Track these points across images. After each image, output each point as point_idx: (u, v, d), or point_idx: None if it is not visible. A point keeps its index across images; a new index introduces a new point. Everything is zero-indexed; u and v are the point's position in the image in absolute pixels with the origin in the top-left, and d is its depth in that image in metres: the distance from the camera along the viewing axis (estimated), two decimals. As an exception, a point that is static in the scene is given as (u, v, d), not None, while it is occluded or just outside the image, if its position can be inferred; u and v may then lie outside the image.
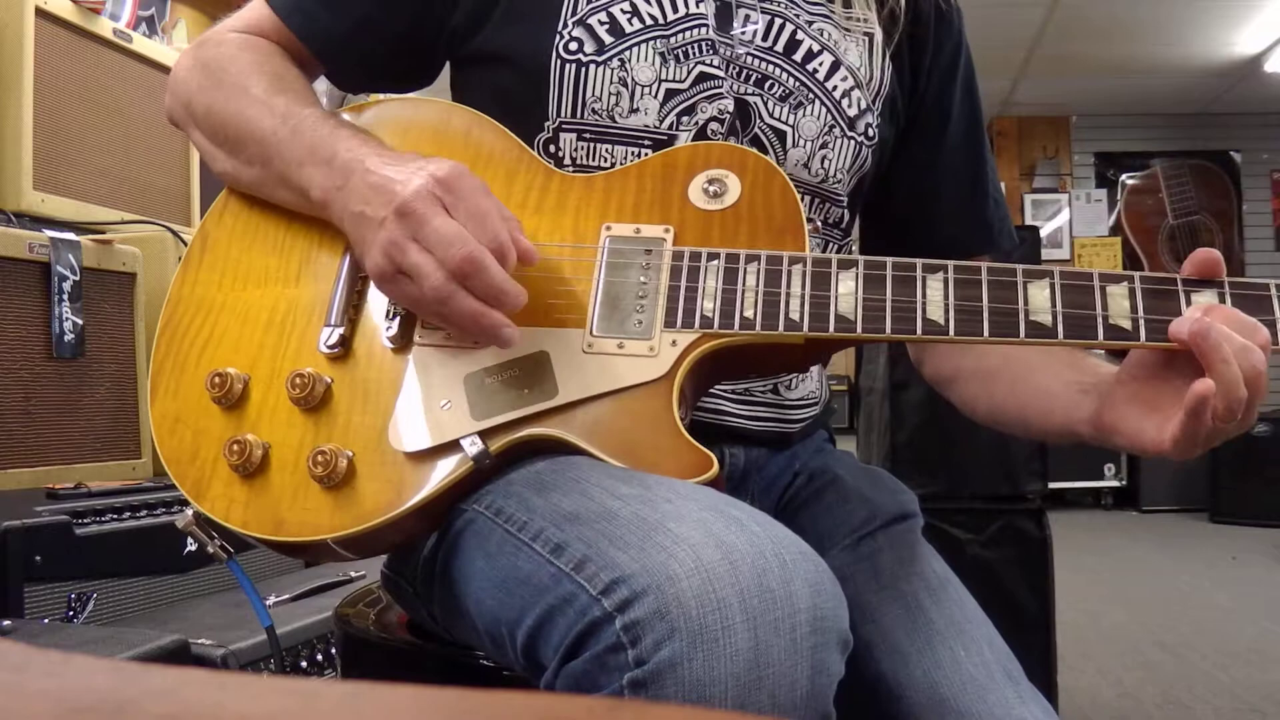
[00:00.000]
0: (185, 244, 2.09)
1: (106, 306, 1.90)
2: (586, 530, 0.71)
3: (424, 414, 0.83)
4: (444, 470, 0.82)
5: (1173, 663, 3.23)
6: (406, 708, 0.26)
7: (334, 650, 1.67)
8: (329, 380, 0.86)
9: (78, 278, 1.80)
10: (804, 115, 0.99)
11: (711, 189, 0.90)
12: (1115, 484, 6.72)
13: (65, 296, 1.77)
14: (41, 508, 1.59)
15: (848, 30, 1.04)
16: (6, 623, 1.37)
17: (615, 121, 0.96)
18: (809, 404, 1.04)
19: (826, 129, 1.00)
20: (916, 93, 1.10)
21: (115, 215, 2.13)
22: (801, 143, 0.99)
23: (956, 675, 0.85)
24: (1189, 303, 0.81)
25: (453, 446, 0.82)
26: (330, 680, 1.03)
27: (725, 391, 0.97)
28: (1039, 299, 0.83)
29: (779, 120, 0.98)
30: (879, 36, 1.06)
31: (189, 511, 0.86)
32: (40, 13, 1.98)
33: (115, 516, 1.67)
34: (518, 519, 0.77)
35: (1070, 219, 7.66)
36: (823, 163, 1.00)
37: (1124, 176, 7.74)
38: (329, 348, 0.87)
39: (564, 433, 0.82)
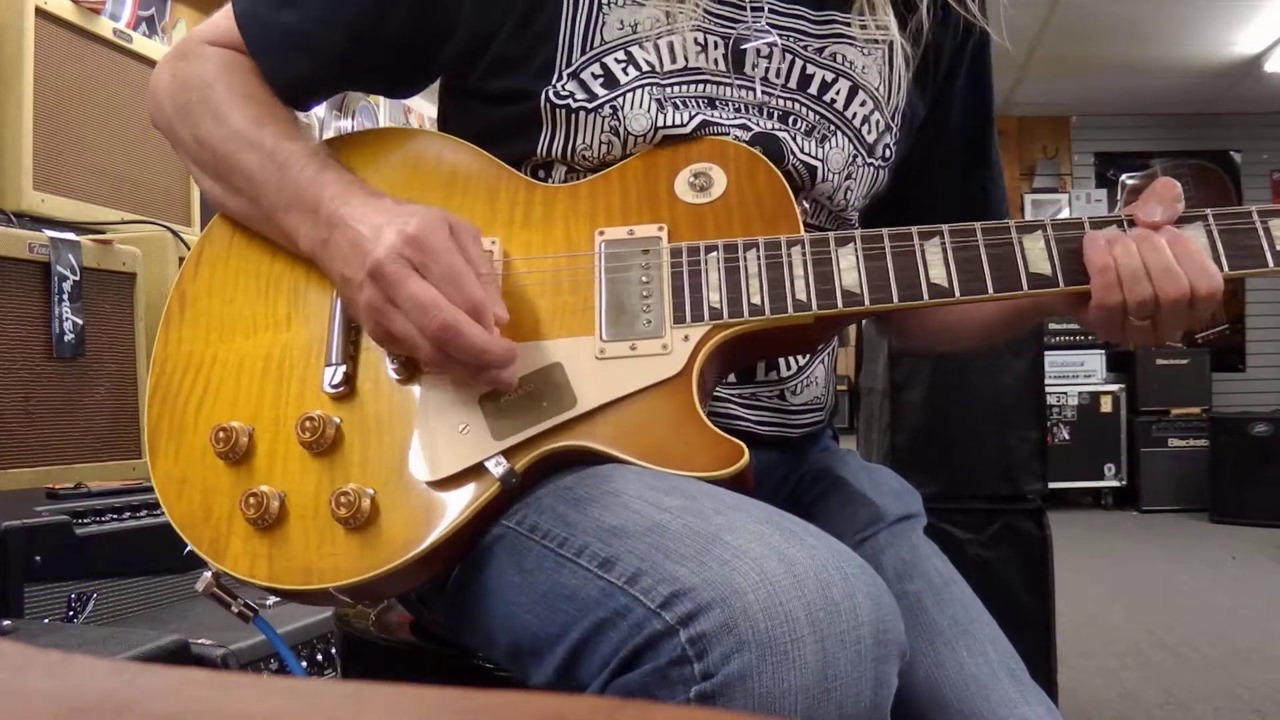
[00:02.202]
0: (185, 244, 2.09)
1: (106, 306, 1.90)
2: (636, 544, 0.71)
3: (443, 441, 0.82)
4: (471, 494, 0.81)
5: (1173, 663, 3.23)
6: (406, 708, 0.26)
7: (334, 650, 1.67)
8: (338, 420, 0.84)
9: (78, 278, 1.80)
10: (831, 147, 0.97)
11: (697, 183, 0.90)
12: (1115, 484, 6.72)
13: (65, 296, 1.77)
14: (41, 508, 1.59)
15: (865, 43, 1.00)
16: (6, 623, 1.37)
17: (607, 165, 0.94)
18: (814, 409, 1.03)
19: (851, 159, 0.99)
20: (929, 89, 1.08)
21: (115, 215, 2.13)
22: (830, 176, 0.97)
23: (959, 676, 0.85)
24: None
25: (477, 470, 0.81)
26: (330, 680, 1.03)
27: (732, 395, 0.97)
28: (1035, 251, 0.86)
29: (809, 155, 0.96)
30: (899, 45, 1.02)
31: (207, 574, 0.84)
32: (40, 13, 1.98)
33: (115, 516, 1.67)
34: (556, 535, 0.77)
35: (1070, 219, 7.66)
36: (845, 194, 0.99)
37: (1124, 176, 7.75)
38: (333, 387, 0.85)
39: (589, 441, 0.81)
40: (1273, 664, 3.19)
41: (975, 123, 1.13)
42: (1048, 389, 3.56)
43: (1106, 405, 6.68)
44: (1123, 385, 6.76)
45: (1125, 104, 7.42)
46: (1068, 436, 6.64)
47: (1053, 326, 6.48)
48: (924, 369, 2.40)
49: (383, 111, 3.93)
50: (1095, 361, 6.79)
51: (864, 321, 2.82)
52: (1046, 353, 2.57)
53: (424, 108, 4.56)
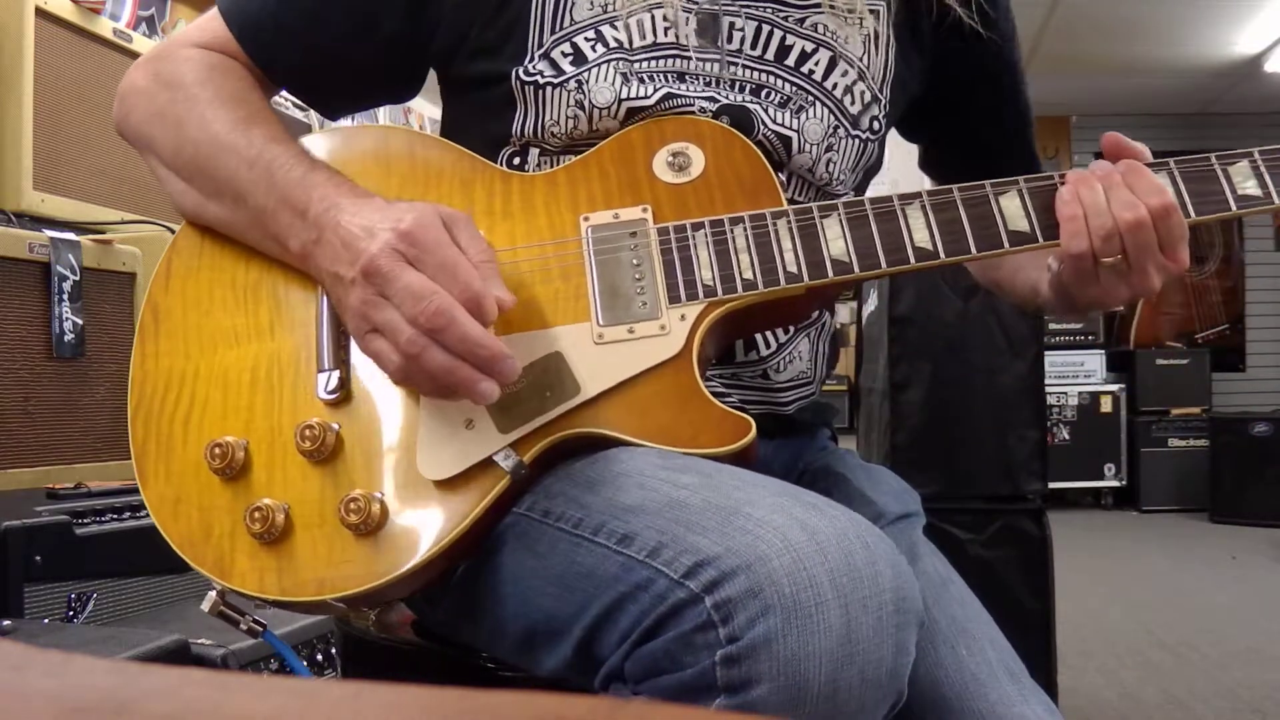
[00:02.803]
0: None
1: (106, 306, 1.90)
2: (655, 519, 0.72)
3: (449, 439, 0.81)
4: (482, 490, 0.80)
5: (1173, 663, 3.23)
6: (406, 708, 0.26)
7: (334, 650, 1.67)
8: (337, 427, 0.83)
9: (78, 278, 1.80)
10: (808, 119, 0.97)
11: (676, 162, 0.91)
12: (1115, 484, 6.71)
13: (65, 296, 1.77)
14: (41, 508, 1.59)
15: (847, 13, 1.00)
16: (6, 623, 1.37)
17: (576, 142, 0.94)
18: (800, 384, 1.04)
19: (831, 130, 0.98)
20: (926, 51, 1.08)
21: (115, 215, 2.13)
22: (807, 147, 0.97)
23: (958, 675, 0.85)
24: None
25: (485, 465, 0.81)
26: (330, 680, 1.03)
27: (715, 374, 0.98)
28: (1012, 208, 0.88)
29: (782, 125, 0.96)
30: (883, 13, 1.02)
31: (212, 593, 0.83)
32: (40, 13, 1.98)
33: (115, 516, 1.67)
34: (570, 516, 0.77)
35: (1070, 219, 7.65)
36: (828, 166, 0.99)
37: (1124, 176, 7.74)
38: (329, 393, 0.84)
39: (596, 427, 0.82)
40: (1273, 664, 3.19)
41: (1010, 72, 1.14)
42: (1048, 389, 3.56)
43: (1106, 405, 6.68)
44: (1123, 385, 6.76)
45: (1125, 104, 7.42)
46: (1068, 436, 6.63)
47: (1053, 326, 6.47)
48: (924, 369, 2.40)
49: (383, 110, 3.93)
50: (1095, 361, 6.79)
51: (864, 322, 2.82)
52: (1046, 353, 2.56)
53: (424, 108, 4.56)
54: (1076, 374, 6.73)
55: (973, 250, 0.87)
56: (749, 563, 0.65)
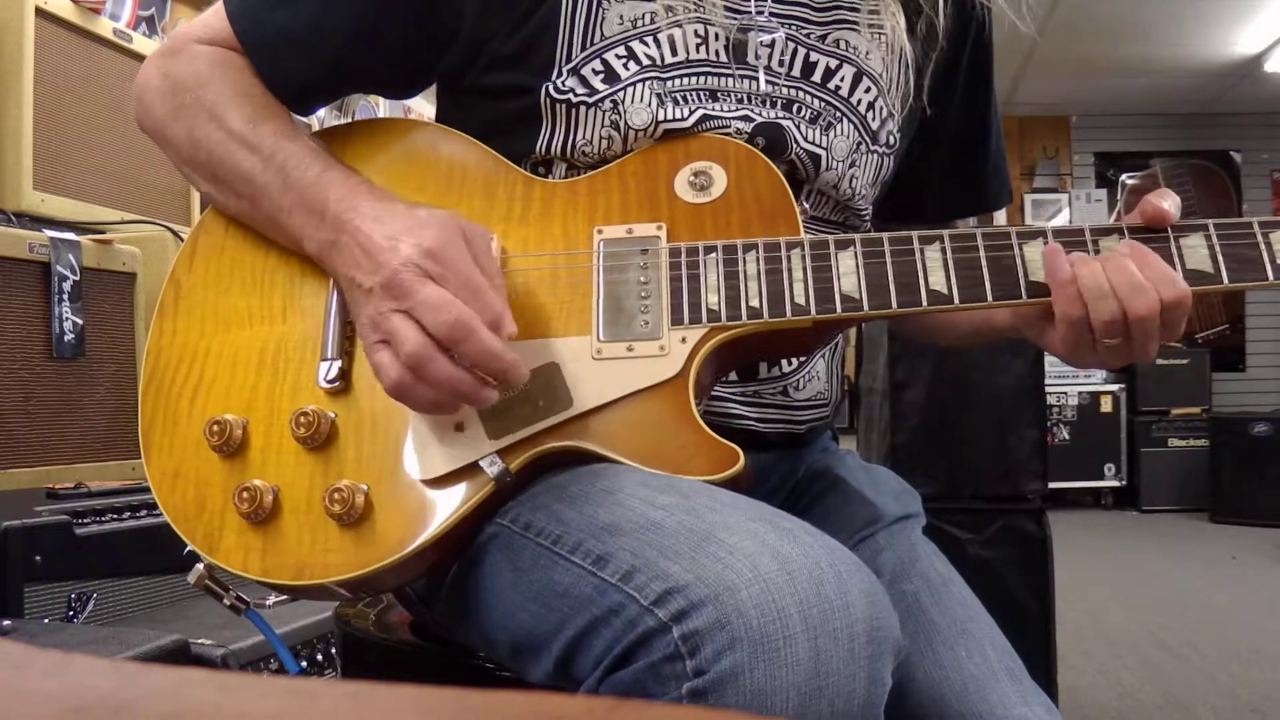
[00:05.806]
0: (185, 244, 2.09)
1: (106, 306, 1.90)
2: (630, 541, 0.71)
3: (438, 439, 0.82)
4: (465, 493, 0.81)
5: (1173, 663, 3.23)
6: (406, 708, 0.26)
7: (334, 650, 1.67)
8: (333, 416, 0.84)
9: (78, 278, 1.80)
10: (836, 135, 0.97)
11: (698, 181, 0.90)
12: (1115, 484, 6.72)
13: (65, 296, 1.77)
14: (41, 508, 1.59)
15: (869, 29, 0.99)
16: (6, 623, 1.37)
17: (608, 161, 0.93)
18: (818, 404, 1.03)
19: (855, 146, 0.98)
20: (927, 84, 1.06)
21: (115, 215, 2.13)
22: (834, 164, 0.96)
23: (958, 675, 0.85)
24: (1179, 248, 0.85)
25: (472, 469, 0.81)
26: (330, 680, 1.03)
27: (734, 394, 0.97)
28: (1035, 258, 0.85)
29: (813, 144, 0.95)
30: (902, 32, 1.01)
31: (200, 566, 0.84)
32: (40, 13, 1.98)
33: (115, 516, 1.67)
34: (550, 532, 0.77)
35: (1070, 219, 7.66)
36: (851, 182, 0.98)
37: (1124, 176, 7.75)
38: (329, 382, 0.85)
39: (584, 442, 0.81)
40: (1273, 664, 3.19)
41: (975, 121, 1.13)
42: (1048, 389, 3.56)
43: (1106, 405, 6.68)
44: (1123, 385, 6.76)
45: (1125, 104, 7.42)
46: (1068, 436, 6.64)
47: (1053, 326, 6.47)
48: (924, 369, 2.40)
49: (382, 110, 3.93)
50: (1095, 361, 6.79)
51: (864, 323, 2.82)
52: (1047, 353, 2.56)
53: (424, 108, 4.56)
54: (1076, 374, 6.73)
55: (989, 298, 0.84)
56: (717, 593, 0.64)
